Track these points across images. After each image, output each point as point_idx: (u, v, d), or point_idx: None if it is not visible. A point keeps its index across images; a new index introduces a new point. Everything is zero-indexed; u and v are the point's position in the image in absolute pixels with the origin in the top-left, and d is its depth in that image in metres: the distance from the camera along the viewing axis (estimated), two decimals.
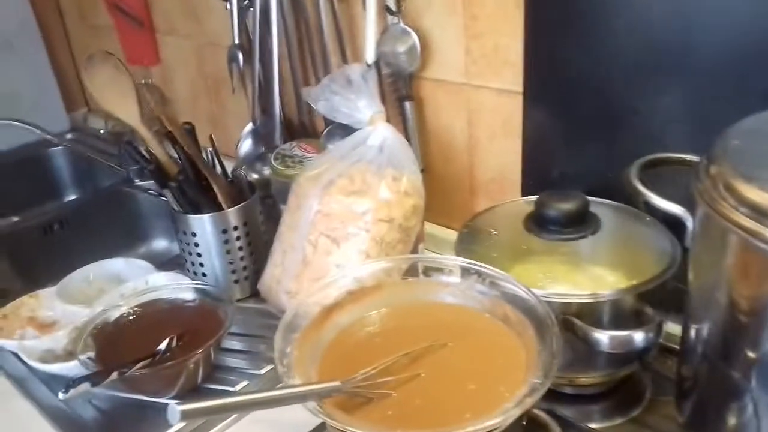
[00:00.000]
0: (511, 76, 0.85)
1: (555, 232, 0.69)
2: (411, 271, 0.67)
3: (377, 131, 0.85)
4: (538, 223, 0.70)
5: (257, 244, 0.96)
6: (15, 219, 1.40)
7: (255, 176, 1.13)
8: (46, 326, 0.92)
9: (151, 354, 0.76)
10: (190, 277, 0.96)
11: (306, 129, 1.14)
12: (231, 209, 0.92)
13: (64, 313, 0.94)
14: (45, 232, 1.34)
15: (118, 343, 0.81)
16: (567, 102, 0.80)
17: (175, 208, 0.92)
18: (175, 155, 0.92)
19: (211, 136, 0.97)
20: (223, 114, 1.33)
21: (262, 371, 0.82)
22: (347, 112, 0.86)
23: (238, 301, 0.95)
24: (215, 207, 0.92)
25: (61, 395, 0.64)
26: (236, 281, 0.95)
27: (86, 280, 1.01)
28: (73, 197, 1.70)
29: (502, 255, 0.69)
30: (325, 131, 1.10)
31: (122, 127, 1.38)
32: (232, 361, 0.85)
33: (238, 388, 0.80)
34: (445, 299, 0.64)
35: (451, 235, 1.01)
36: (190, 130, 0.90)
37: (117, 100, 0.88)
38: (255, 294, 0.97)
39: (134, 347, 0.79)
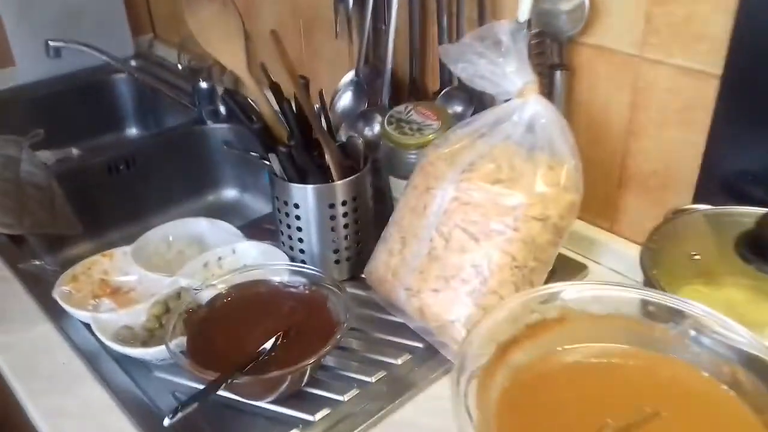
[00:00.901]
0: (705, 54, 0.69)
1: None
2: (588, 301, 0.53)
3: (528, 105, 0.70)
4: (759, 250, 0.56)
5: (365, 222, 0.83)
6: (75, 151, 1.27)
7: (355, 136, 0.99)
8: (121, 294, 0.81)
9: (254, 355, 0.64)
10: (284, 251, 0.83)
11: (417, 88, 0.99)
12: (341, 181, 0.78)
13: (141, 279, 0.83)
14: (110, 171, 1.22)
15: (213, 331, 0.69)
16: None
17: (279, 175, 0.78)
18: (279, 112, 0.79)
19: (321, 91, 0.83)
20: (313, 61, 1.18)
21: (373, 379, 0.70)
22: (493, 80, 0.72)
23: None
24: (322, 176, 0.79)
25: (167, 422, 0.53)
26: (337, 261, 0.83)
27: (165, 240, 0.89)
28: (134, 130, 1.58)
29: (710, 289, 0.55)
30: (442, 93, 0.95)
31: (199, 63, 1.25)
32: (329, 358, 0.73)
33: (346, 398, 0.68)
34: (648, 346, 0.51)
35: (583, 228, 0.88)
36: (305, 85, 0.76)
37: (222, 43, 0.74)
38: (354, 276, 0.85)
39: (231, 339, 0.68)
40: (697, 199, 0.74)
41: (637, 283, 0.80)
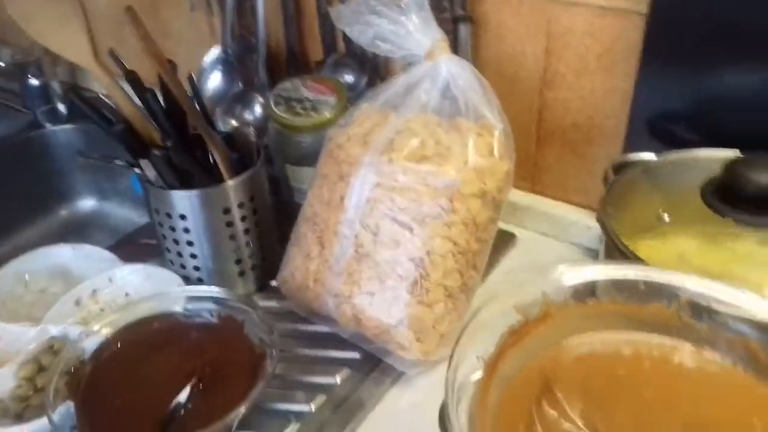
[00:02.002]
0: None
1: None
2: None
3: (440, 67, 0.61)
4: (731, 199, 0.50)
5: (266, 223, 0.71)
6: None
7: (233, 123, 0.86)
8: None
9: (168, 413, 0.52)
10: (177, 273, 0.70)
11: (297, 59, 0.87)
12: (233, 181, 0.66)
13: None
14: None
15: (106, 391, 0.55)
16: (721, 32, 0.59)
17: (155, 182, 0.64)
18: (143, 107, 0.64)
19: (191, 75, 0.69)
20: (163, 41, 1.01)
21: (313, 407, 0.60)
22: (396, 42, 0.62)
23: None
24: (209, 177, 0.66)
25: None
26: (241, 273, 0.71)
27: (20, 280, 0.73)
28: None
29: (660, 242, 0.50)
30: (328, 63, 0.84)
31: (25, 57, 1.05)
32: None
33: None
34: (647, 329, 0.44)
35: None
36: (174, 70, 0.62)
37: (57, 29, 0.58)
38: (263, 288, 0.73)
39: (133, 397, 0.55)
40: (627, 150, 0.69)
41: (576, 246, 0.77)
